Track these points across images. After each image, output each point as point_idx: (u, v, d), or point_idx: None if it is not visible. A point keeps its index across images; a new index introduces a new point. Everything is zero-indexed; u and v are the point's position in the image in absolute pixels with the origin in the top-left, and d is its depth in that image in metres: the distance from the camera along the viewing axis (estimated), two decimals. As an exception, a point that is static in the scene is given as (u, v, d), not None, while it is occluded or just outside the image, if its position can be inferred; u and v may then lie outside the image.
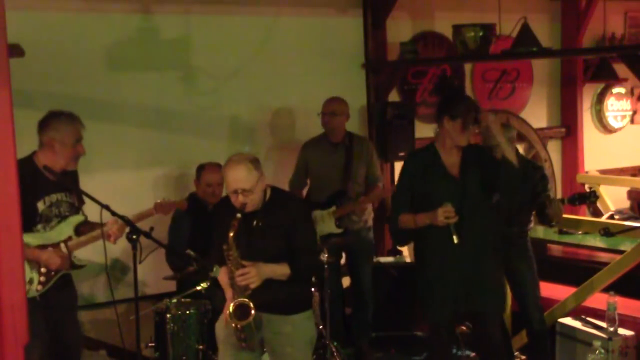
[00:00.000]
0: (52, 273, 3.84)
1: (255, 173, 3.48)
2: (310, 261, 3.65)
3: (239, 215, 3.43)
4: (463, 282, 3.99)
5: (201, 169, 4.99)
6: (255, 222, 3.57)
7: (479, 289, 4.02)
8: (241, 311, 3.46)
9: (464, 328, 5.10)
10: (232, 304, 3.47)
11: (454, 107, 4.00)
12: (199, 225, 4.91)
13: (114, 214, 3.70)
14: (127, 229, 3.72)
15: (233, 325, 3.48)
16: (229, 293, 3.56)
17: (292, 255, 3.54)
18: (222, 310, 4.41)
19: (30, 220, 3.76)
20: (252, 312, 3.44)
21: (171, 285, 4.89)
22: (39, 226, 3.82)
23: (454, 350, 5.36)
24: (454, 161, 4.03)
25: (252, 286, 3.46)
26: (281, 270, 3.53)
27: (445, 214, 3.83)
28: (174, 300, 4.47)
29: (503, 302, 4.22)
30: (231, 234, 3.42)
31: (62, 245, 3.85)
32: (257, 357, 3.72)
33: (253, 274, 3.44)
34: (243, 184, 3.45)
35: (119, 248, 4.19)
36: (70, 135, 3.83)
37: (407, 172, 4.16)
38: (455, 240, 3.84)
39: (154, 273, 5.03)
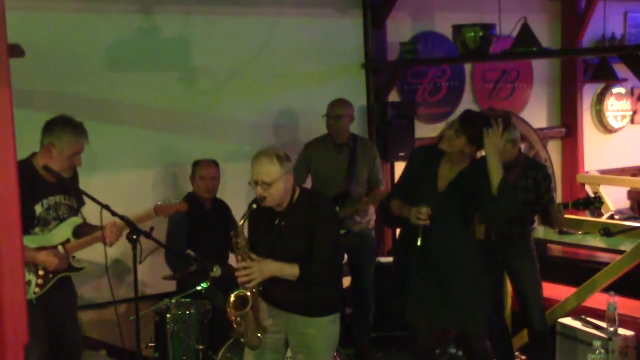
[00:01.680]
0: (50, 275, 3.82)
1: (278, 168, 3.43)
2: (321, 267, 3.51)
3: (254, 205, 3.42)
4: (430, 295, 3.96)
5: (196, 164, 5.03)
6: (277, 221, 3.55)
7: (448, 306, 3.96)
8: (240, 302, 3.44)
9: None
10: (232, 295, 3.45)
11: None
12: (196, 225, 4.91)
13: (113, 214, 3.69)
14: (127, 230, 3.72)
15: (232, 317, 3.47)
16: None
17: (307, 258, 3.48)
18: (223, 310, 4.42)
19: (27, 223, 3.73)
20: (250, 304, 3.42)
21: (171, 285, 4.89)
22: (37, 229, 3.80)
23: (453, 350, 5.38)
24: (448, 175, 3.99)
25: (253, 282, 3.41)
26: (289, 270, 3.46)
27: (416, 215, 3.85)
28: (174, 300, 4.47)
29: (476, 325, 4.06)
30: (241, 222, 3.43)
31: (60, 247, 3.84)
32: (280, 357, 3.73)
33: (254, 270, 3.40)
34: (263, 177, 3.42)
35: (119, 248, 4.19)
36: (70, 147, 3.79)
37: (409, 164, 4.25)
38: (419, 243, 3.85)
39: (154, 273, 5.02)
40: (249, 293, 3.43)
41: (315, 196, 3.78)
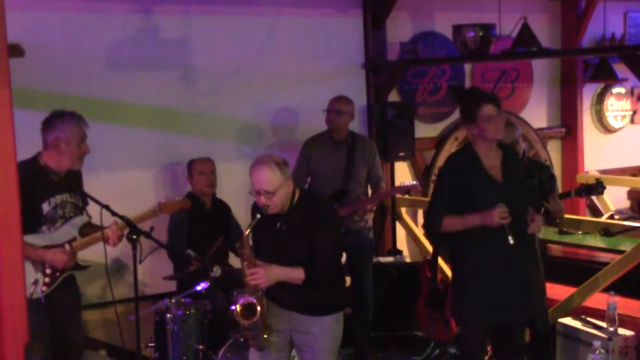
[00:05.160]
0: (57, 274, 3.84)
1: (279, 176, 3.42)
2: (325, 269, 3.53)
3: (258, 215, 3.41)
4: (516, 289, 3.92)
5: (192, 162, 5.08)
6: (279, 225, 3.55)
7: (529, 298, 3.97)
8: (248, 310, 3.46)
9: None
10: (238, 306, 3.47)
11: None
12: (197, 225, 4.91)
13: (114, 214, 3.71)
14: (127, 230, 3.73)
15: (241, 323, 3.49)
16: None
17: (310, 261, 3.50)
18: (223, 310, 4.41)
19: (35, 222, 3.77)
20: (258, 311, 3.44)
21: (171, 285, 4.89)
22: (44, 227, 3.83)
23: (453, 350, 5.37)
24: (494, 163, 3.95)
25: (262, 287, 3.46)
26: (295, 275, 3.49)
27: (500, 214, 3.75)
28: (174, 300, 4.47)
29: (547, 312, 4.15)
30: (246, 232, 3.43)
31: (67, 245, 3.86)
32: (285, 356, 3.73)
33: (261, 275, 3.43)
34: (266, 186, 3.41)
35: (119, 248, 4.20)
36: (75, 135, 3.83)
37: (447, 175, 4.07)
38: (511, 241, 3.76)
39: (154, 273, 5.03)
40: (255, 300, 3.45)
41: (315, 198, 3.80)
